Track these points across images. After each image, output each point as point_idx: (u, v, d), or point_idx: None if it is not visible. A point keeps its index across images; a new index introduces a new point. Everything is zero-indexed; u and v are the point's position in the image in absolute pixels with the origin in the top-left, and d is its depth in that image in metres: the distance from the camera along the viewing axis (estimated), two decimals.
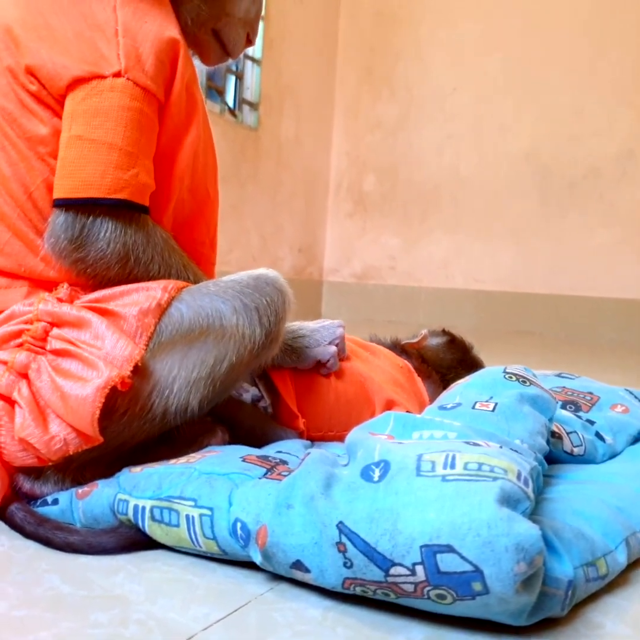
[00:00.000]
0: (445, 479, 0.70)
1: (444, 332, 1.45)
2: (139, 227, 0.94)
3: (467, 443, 0.79)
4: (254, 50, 5.08)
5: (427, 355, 1.37)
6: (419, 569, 0.66)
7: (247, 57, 5.02)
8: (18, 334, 0.90)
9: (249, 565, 0.81)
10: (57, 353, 0.88)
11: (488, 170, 5.16)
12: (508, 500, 0.68)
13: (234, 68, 4.88)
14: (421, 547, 0.66)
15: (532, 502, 0.71)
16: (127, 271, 0.94)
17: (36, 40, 0.92)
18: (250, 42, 1.15)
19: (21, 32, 0.93)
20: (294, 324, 1.15)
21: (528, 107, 5.05)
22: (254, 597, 0.76)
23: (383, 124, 5.51)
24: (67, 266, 0.94)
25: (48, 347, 0.89)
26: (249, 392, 1.15)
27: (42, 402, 0.87)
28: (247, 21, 1.12)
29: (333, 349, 1.17)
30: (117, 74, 0.90)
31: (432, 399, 1.24)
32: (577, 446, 1.14)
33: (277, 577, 0.79)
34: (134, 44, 0.92)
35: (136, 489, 0.87)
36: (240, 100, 4.38)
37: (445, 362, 1.37)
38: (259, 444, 1.04)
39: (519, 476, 0.72)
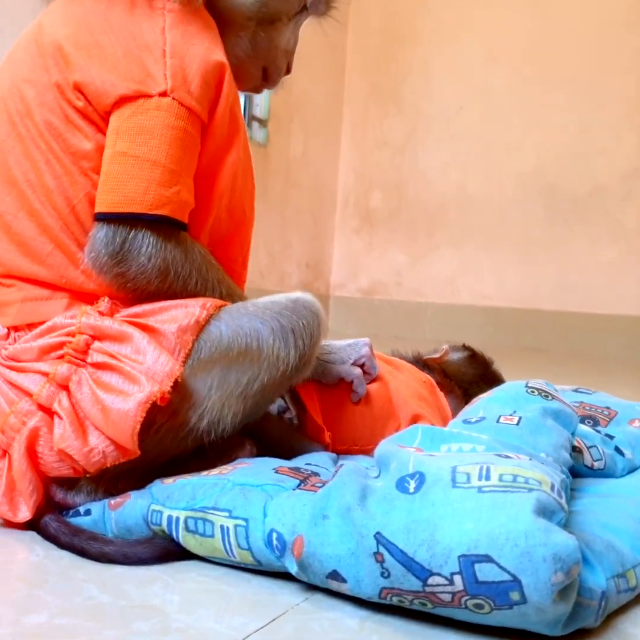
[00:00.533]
0: (481, 491, 0.71)
1: (465, 347, 1.46)
2: (178, 242, 0.96)
3: (499, 455, 0.81)
4: None
5: (449, 370, 1.39)
6: (457, 578, 0.68)
7: None
8: (59, 345, 0.91)
9: (283, 575, 0.82)
10: (98, 366, 0.90)
11: (494, 188, 5.19)
12: (544, 511, 0.69)
13: None
14: (459, 557, 0.68)
15: (566, 513, 0.72)
16: (167, 285, 0.96)
17: (86, 58, 0.94)
18: (289, 71, 1.18)
19: (71, 50, 0.94)
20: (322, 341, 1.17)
21: (534, 126, 5.09)
22: (290, 607, 0.77)
23: (390, 142, 5.54)
24: (108, 281, 0.95)
25: (89, 360, 0.90)
26: (275, 404, 1.16)
27: (82, 414, 0.88)
28: (288, 51, 1.15)
29: (357, 371, 1.18)
30: (163, 94, 0.92)
31: (455, 413, 1.25)
32: (598, 460, 1.16)
33: (311, 587, 0.80)
34: (181, 65, 0.94)
35: (169, 500, 0.88)
36: (249, 117, 4.42)
37: (467, 377, 1.39)
38: (285, 456, 1.05)
39: (552, 488, 0.73)
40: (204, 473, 0.92)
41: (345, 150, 5.61)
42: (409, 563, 0.70)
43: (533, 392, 1.05)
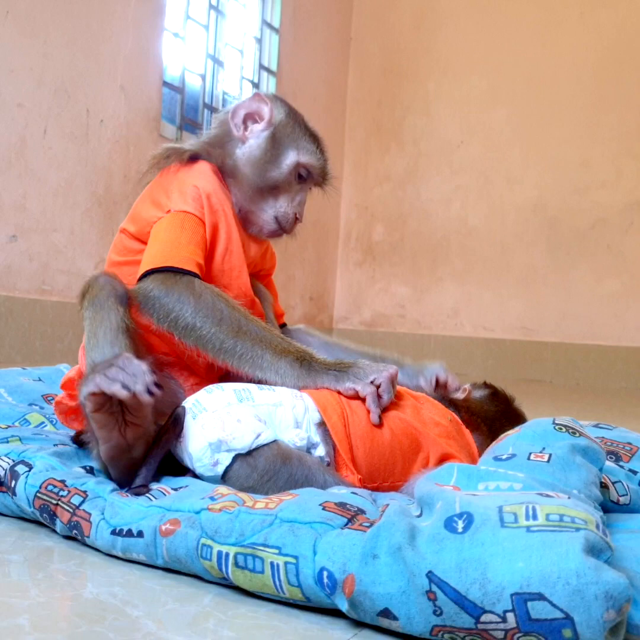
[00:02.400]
0: (529, 530, 0.74)
1: (486, 385, 1.49)
2: (180, 281, 1.28)
3: (541, 494, 0.84)
4: None
5: (472, 408, 1.41)
6: (510, 616, 0.70)
7: None
8: None
9: (330, 611, 0.85)
10: None
11: (496, 221, 5.25)
12: (592, 550, 0.72)
13: None
14: (512, 595, 0.70)
15: (613, 551, 0.75)
16: (177, 309, 1.28)
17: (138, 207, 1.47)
18: (299, 220, 1.52)
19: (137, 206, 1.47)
20: (359, 358, 1.32)
21: (535, 159, 5.16)
22: None
23: (391, 177, 5.61)
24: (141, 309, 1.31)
25: None
26: (304, 440, 1.18)
27: None
28: (295, 208, 1.50)
29: (371, 389, 1.24)
30: (168, 211, 1.38)
31: (481, 450, 1.28)
32: (623, 495, 1.18)
33: (359, 623, 0.82)
34: (180, 193, 1.40)
35: (218, 535, 0.90)
36: None
37: (490, 414, 1.41)
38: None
39: (597, 526, 0.76)
40: (249, 503, 0.94)
41: (347, 185, 5.68)
42: (461, 601, 0.72)
43: (560, 428, 1.08)
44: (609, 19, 5.04)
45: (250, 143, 1.48)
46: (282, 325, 1.65)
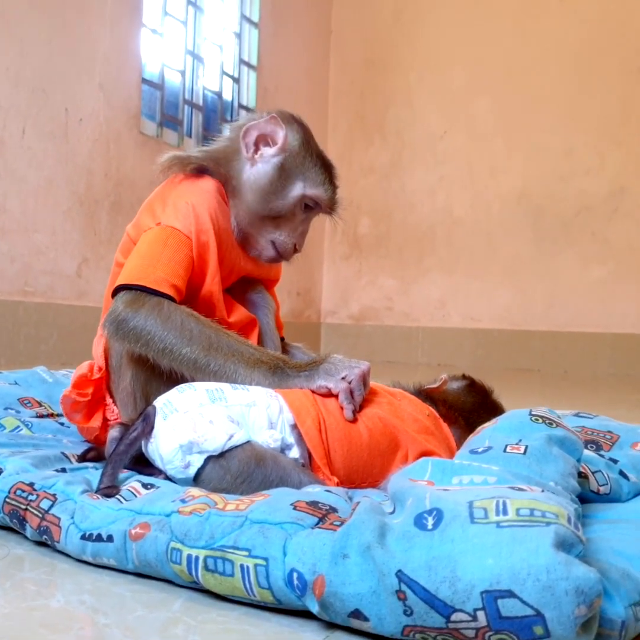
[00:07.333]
0: (499, 526, 0.73)
1: (464, 377, 1.47)
2: (147, 303, 1.28)
3: (513, 488, 0.82)
4: (248, 99, 5.17)
5: (449, 399, 1.39)
6: (481, 614, 0.69)
7: (241, 106, 5.11)
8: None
9: (301, 613, 0.83)
10: None
11: (481, 211, 5.24)
12: (563, 545, 0.70)
13: (228, 116, 4.97)
14: (482, 592, 0.69)
15: (584, 545, 0.73)
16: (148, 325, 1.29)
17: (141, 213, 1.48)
18: (297, 250, 1.51)
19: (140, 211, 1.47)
20: (329, 354, 1.31)
21: (519, 148, 5.15)
22: None
23: (376, 169, 5.60)
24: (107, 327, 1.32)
25: None
26: (279, 441, 1.16)
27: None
28: (295, 236, 1.48)
29: (343, 385, 1.23)
30: (158, 224, 1.38)
31: (459, 443, 1.26)
32: (603, 485, 1.17)
33: (331, 624, 0.81)
34: (174, 209, 1.40)
35: (188, 538, 0.88)
36: None
37: (467, 406, 1.40)
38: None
39: (569, 520, 0.74)
40: (220, 506, 0.93)
41: None
42: (431, 600, 0.71)
43: (537, 419, 1.07)
44: (590, 6, 5.03)
45: (258, 168, 1.45)
46: (281, 339, 1.62)
